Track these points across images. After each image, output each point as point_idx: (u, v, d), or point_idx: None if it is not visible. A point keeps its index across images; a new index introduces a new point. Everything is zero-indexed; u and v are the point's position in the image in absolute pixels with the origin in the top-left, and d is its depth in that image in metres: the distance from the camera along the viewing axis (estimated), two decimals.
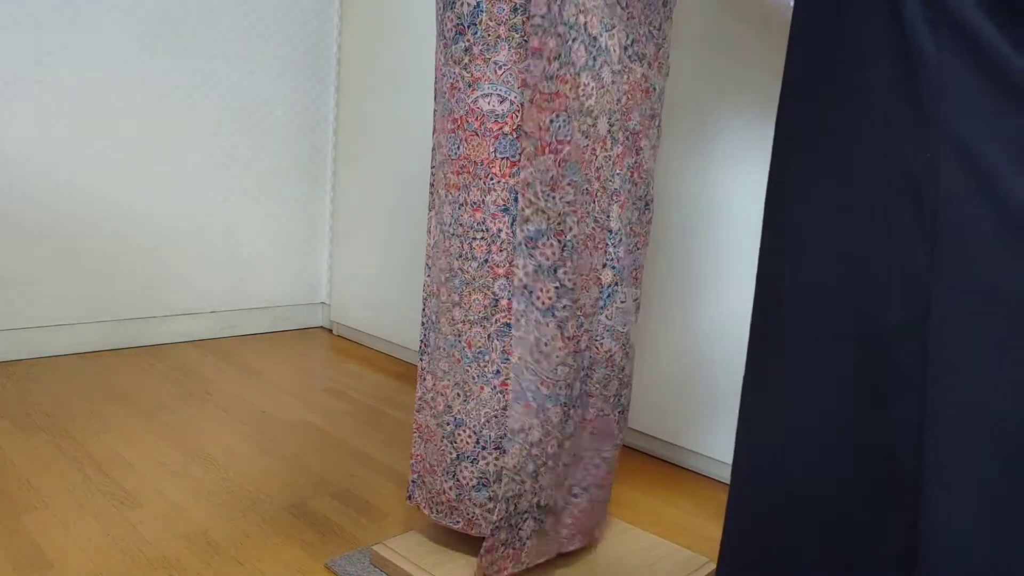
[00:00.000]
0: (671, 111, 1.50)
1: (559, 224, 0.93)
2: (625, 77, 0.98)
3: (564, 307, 0.96)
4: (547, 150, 0.91)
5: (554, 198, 0.93)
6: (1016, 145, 0.51)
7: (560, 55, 0.91)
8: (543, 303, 0.94)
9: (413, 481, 1.13)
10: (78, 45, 1.92)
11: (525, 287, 0.93)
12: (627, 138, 1.00)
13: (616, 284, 1.02)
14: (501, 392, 1.00)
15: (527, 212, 0.91)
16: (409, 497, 1.16)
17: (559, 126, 0.92)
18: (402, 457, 1.50)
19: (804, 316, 0.60)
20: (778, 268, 0.62)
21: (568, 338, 0.97)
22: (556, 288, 0.95)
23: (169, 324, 2.17)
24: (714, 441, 1.47)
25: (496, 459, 1.00)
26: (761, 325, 0.64)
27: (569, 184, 0.94)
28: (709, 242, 1.46)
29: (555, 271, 0.95)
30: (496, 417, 1.00)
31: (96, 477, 1.31)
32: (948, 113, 0.53)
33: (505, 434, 0.96)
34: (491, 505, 1.01)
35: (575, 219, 0.95)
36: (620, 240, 1.02)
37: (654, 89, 1.04)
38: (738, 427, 0.65)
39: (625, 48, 0.97)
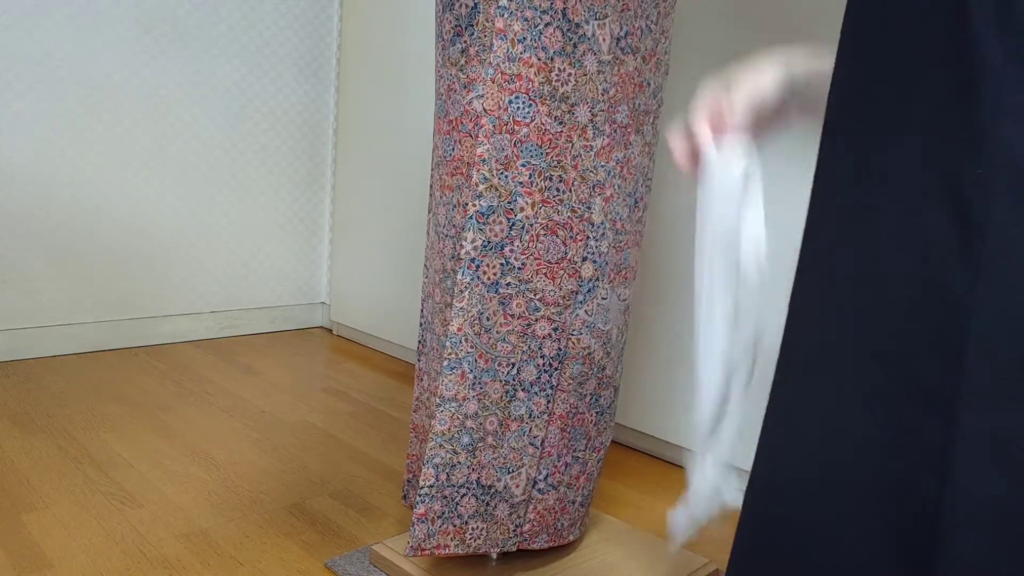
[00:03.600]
0: (672, 111, 1.50)
1: (509, 203, 0.95)
2: (615, 69, 0.97)
3: (508, 284, 0.97)
4: (504, 129, 0.94)
5: (507, 176, 0.95)
6: None
7: (525, 38, 0.92)
8: (488, 278, 0.97)
9: (408, 481, 1.13)
10: (78, 45, 1.92)
11: (472, 260, 0.95)
12: (614, 131, 0.99)
13: (597, 279, 1.02)
14: None
15: (481, 188, 0.94)
16: (404, 497, 1.16)
17: (518, 107, 0.94)
18: (402, 457, 1.50)
19: (834, 330, 0.57)
20: (812, 280, 0.60)
21: (512, 316, 0.98)
22: (501, 264, 0.97)
23: (169, 324, 2.17)
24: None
25: None
26: (792, 337, 0.62)
27: (524, 165, 0.95)
28: None
29: (502, 248, 0.96)
30: None
31: (96, 477, 1.31)
32: (1007, 129, 0.49)
33: (436, 400, 0.97)
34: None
35: (528, 200, 0.96)
36: (603, 234, 1.01)
37: (648, 84, 1.03)
38: (761, 434, 0.64)
39: (617, 39, 0.97)
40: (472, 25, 0.96)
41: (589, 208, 0.99)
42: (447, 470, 0.98)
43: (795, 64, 0.74)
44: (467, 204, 0.96)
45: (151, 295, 2.13)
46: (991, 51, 0.49)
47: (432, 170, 1.07)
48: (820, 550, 0.57)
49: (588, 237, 1.00)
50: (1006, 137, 0.49)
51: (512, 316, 0.98)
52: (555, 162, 0.96)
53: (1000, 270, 0.49)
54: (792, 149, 1.34)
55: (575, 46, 0.94)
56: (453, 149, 1.00)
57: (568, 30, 0.94)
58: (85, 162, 1.97)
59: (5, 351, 1.91)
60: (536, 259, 0.98)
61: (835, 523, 0.56)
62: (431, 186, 1.08)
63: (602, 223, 1.00)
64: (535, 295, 0.99)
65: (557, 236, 0.98)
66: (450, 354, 0.96)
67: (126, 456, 1.41)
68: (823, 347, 0.58)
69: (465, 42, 0.97)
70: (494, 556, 1.08)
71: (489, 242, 0.96)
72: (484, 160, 0.94)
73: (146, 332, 2.13)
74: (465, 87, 0.97)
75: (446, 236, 1.02)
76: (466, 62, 0.97)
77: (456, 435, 0.98)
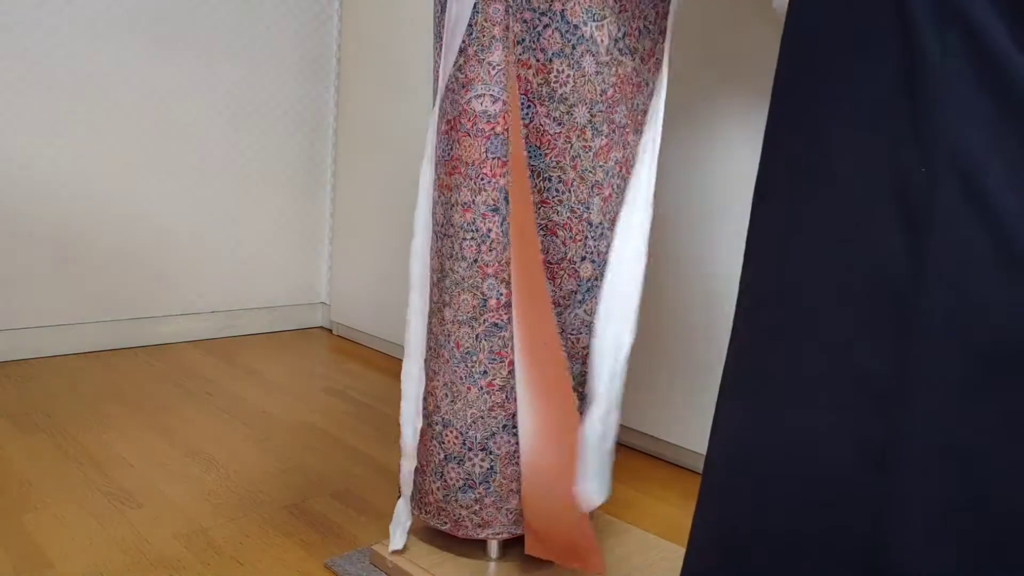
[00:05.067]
0: (672, 111, 1.50)
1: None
2: (613, 69, 0.97)
3: None
4: (504, 130, 0.95)
5: (508, 177, 0.96)
6: (1020, 165, 0.47)
7: (524, 40, 0.92)
8: None
9: None
10: (78, 45, 1.92)
11: None
12: (612, 131, 0.99)
13: (596, 279, 1.02)
14: (488, 393, 1.00)
15: None
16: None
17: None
18: None
19: (781, 322, 0.56)
20: (759, 273, 0.60)
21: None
22: None
23: (169, 324, 2.17)
24: None
25: (481, 460, 1.01)
26: (741, 329, 0.62)
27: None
28: (707, 241, 1.46)
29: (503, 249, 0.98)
30: (482, 418, 1.00)
31: (96, 477, 1.31)
32: (949, 125, 0.48)
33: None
34: (476, 507, 1.02)
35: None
36: (602, 234, 1.01)
37: (646, 85, 1.04)
38: (712, 423, 0.63)
39: (616, 40, 0.97)
40: (471, 25, 0.96)
41: (588, 208, 0.99)
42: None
43: None
44: (468, 204, 0.97)
45: (151, 295, 2.13)
46: (929, 45, 0.48)
47: None
48: (771, 540, 0.56)
49: (587, 237, 1.00)
50: (945, 131, 0.48)
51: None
52: (554, 163, 0.96)
53: (944, 266, 0.49)
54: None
55: (574, 47, 0.94)
56: (451, 148, 1.00)
57: (567, 31, 0.94)
58: (85, 162, 1.97)
59: (5, 351, 1.91)
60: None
61: (783, 512, 0.55)
62: None
63: (601, 223, 1.01)
64: None
65: (556, 236, 0.98)
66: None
67: (126, 456, 1.41)
68: (772, 334, 0.58)
69: (463, 41, 0.97)
70: (494, 555, 1.08)
71: None
72: None
73: (146, 332, 2.13)
74: (463, 87, 0.98)
75: (444, 235, 1.02)
76: (464, 61, 0.97)
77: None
